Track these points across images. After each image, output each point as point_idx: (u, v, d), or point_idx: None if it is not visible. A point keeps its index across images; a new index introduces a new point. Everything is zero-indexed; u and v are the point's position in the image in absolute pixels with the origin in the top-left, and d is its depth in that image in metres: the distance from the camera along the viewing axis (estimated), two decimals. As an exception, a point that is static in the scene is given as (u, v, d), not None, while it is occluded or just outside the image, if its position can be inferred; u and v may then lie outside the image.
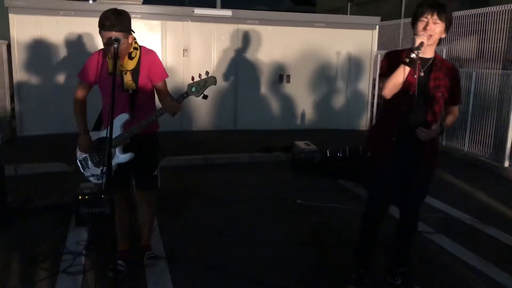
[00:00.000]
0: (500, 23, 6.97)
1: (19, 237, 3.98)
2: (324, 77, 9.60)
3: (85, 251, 3.70)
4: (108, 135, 2.52)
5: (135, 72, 3.10)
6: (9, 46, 7.88)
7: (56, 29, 8.06)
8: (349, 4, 18.91)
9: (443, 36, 2.85)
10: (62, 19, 8.08)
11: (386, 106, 3.08)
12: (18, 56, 7.96)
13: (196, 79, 2.95)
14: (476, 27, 7.47)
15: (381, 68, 3.01)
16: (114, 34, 2.84)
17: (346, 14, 17.40)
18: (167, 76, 3.28)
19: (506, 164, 6.79)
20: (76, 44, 8.18)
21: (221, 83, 9.04)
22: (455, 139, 7.95)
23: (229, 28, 8.99)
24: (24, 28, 7.93)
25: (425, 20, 2.78)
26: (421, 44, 2.73)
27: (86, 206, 4.14)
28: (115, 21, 2.89)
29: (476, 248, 4.02)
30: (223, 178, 6.00)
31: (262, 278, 3.41)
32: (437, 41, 2.87)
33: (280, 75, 9.38)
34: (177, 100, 3.02)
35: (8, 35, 7.89)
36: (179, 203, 4.91)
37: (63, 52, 8.17)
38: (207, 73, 2.97)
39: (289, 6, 37.50)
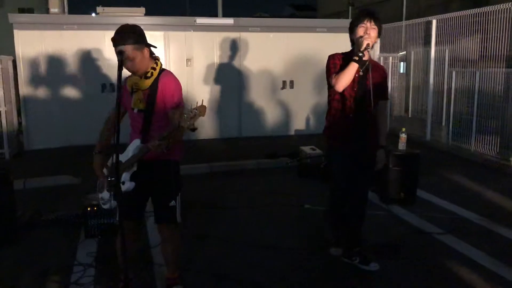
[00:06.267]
0: (503, 21, 6.96)
1: (30, 250, 4.00)
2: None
3: (95, 262, 3.71)
4: (115, 155, 2.53)
5: (151, 92, 2.92)
6: (14, 62, 7.97)
7: (60, 43, 8.16)
8: (350, 8, 18.95)
9: (377, 41, 3.38)
10: (66, 33, 8.17)
11: (335, 105, 3.63)
12: (23, 71, 8.05)
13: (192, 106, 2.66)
14: (478, 26, 7.47)
15: (331, 67, 3.53)
16: (120, 48, 2.78)
17: (348, 18, 17.42)
18: (178, 103, 2.89)
19: (514, 162, 6.76)
20: (80, 57, 8.27)
21: (225, 91, 9.09)
22: (461, 138, 7.93)
23: (232, 36, 9.05)
24: (29, 43, 8.02)
25: (364, 26, 3.31)
26: (368, 45, 3.24)
27: (95, 218, 4.17)
28: (119, 36, 2.81)
29: (486, 247, 4.00)
30: (229, 186, 6.01)
31: (272, 285, 3.42)
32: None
33: (283, 81, 9.42)
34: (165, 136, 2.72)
35: (13, 51, 7.99)
36: (186, 212, 4.91)
37: (68, 66, 8.26)
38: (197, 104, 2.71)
39: (290, 12, 37.70)
